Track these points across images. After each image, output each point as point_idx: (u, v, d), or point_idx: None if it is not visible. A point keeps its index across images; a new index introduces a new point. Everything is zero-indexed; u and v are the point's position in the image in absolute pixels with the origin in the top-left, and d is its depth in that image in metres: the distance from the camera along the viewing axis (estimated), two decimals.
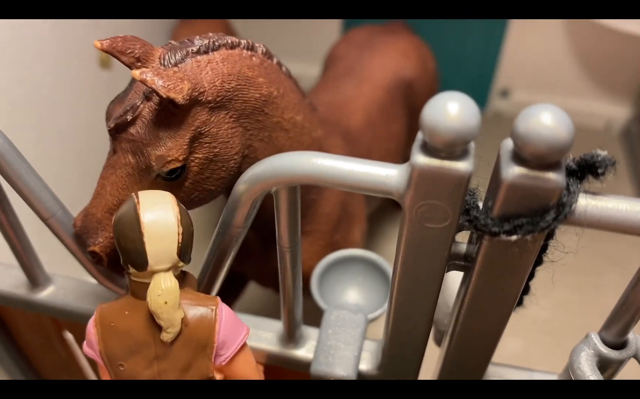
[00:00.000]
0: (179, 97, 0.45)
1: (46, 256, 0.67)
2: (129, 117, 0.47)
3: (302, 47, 1.54)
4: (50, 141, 0.94)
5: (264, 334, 0.60)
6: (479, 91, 1.55)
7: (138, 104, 0.47)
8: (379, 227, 1.23)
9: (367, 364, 0.58)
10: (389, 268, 0.67)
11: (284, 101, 0.57)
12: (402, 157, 0.92)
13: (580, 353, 0.50)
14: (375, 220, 1.20)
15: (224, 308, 0.47)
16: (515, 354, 1.03)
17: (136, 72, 0.43)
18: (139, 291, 0.45)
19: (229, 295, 0.84)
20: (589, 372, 0.48)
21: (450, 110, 0.36)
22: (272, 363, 0.60)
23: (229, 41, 0.52)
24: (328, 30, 1.53)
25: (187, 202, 0.52)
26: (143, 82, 0.44)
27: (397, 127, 0.87)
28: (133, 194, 0.44)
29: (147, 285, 0.44)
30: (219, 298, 0.48)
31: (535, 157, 0.36)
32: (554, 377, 0.56)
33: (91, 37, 1.00)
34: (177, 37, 1.24)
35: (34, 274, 0.62)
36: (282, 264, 0.51)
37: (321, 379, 0.56)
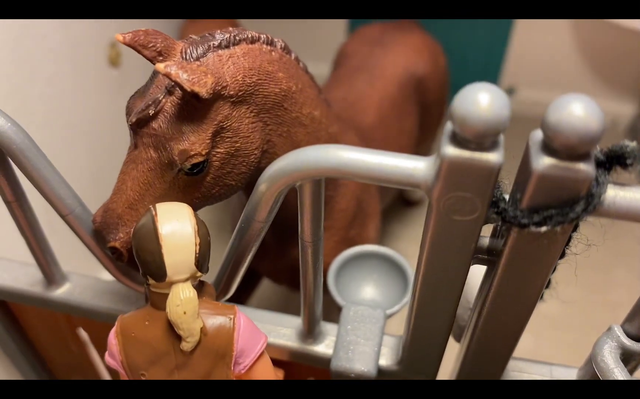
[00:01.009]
0: (203, 91, 0.45)
1: (62, 254, 0.67)
2: (151, 112, 0.47)
3: (308, 45, 1.54)
4: (61, 138, 0.94)
5: (283, 330, 0.60)
6: None
7: (160, 98, 0.47)
8: (388, 226, 1.22)
9: (386, 360, 0.58)
10: (404, 264, 0.67)
11: (302, 96, 0.57)
12: (413, 152, 0.92)
13: (604, 345, 0.49)
14: (384, 218, 1.20)
15: (242, 317, 0.47)
16: (527, 350, 1.03)
17: (160, 66, 0.43)
18: (159, 302, 0.45)
19: (243, 291, 0.83)
20: (612, 364, 0.48)
21: (481, 101, 0.35)
22: (291, 359, 0.60)
23: (249, 36, 0.51)
24: (334, 29, 1.53)
25: (207, 197, 0.52)
26: (167, 75, 0.43)
27: (409, 123, 0.87)
28: (151, 206, 0.44)
29: (166, 296, 0.44)
30: (236, 307, 0.48)
31: (566, 148, 0.36)
32: (575, 371, 0.56)
33: (100, 35, 1.00)
34: (185, 35, 1.24)
35: (50, 272, 0.62)
36: (303, 259, 0.50)
37: (341, 374, 0.56)
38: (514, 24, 1.45)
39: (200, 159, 0.48)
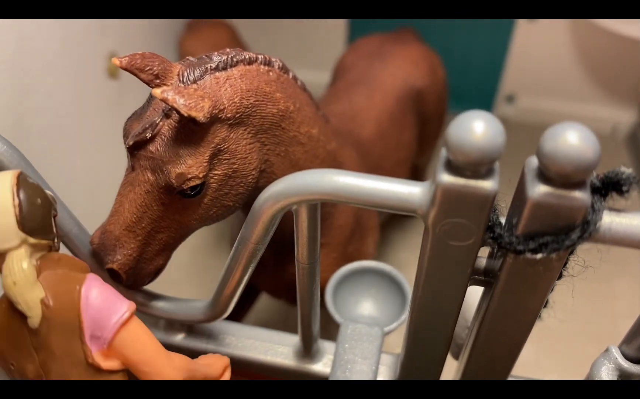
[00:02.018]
0: (200, 116, 0.45)
1: None
2: (149, 135, 0.47)
3: (307, 52, 1.54)
4: (59, 152, 0.94)
5: (280, 349, 0.60)
6: (485, 96, 1.55)
7: (157, 122, 0.47)
8: (388, 235, 1.22)
9: (384, 379, 0.58)
10: (402, 280, 0.67)
11: (300, 115, 0.57)
12: (411, 165, 0.92)
13: (601, 367, 0.49)
14: (383, 227, 1.20)
15: (92, 284, 0.43)
16: (527, 361, 1.03)
17: (157, 91, 0.43)
18: None
19: (241, 306, 0.83)
20: None
21: (476, 129, 0.36)
22: (288, 378, 0.60)
23: (247, 57, 0.52)
24: (333, 36, 1.53)
25: (205, 218, 0.52)
26: (164, 100, 0.44)
27: (407, 137, 0.87)
28: None
29: None
30: (90, 275, 0.44)
31: (561, 176, 0.36)
32: None
33: (99, 46, 1.00)
34: (183, 44, 1.24)
35: None
36: (300, 280, 0.50)
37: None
38: (514, 32, 1.45)
39: (198, 181, 0.48)
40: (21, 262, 0.40)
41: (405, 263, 1.17)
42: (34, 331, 0.42)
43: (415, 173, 1.10)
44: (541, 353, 1.06)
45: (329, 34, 1.52)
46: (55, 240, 0.44)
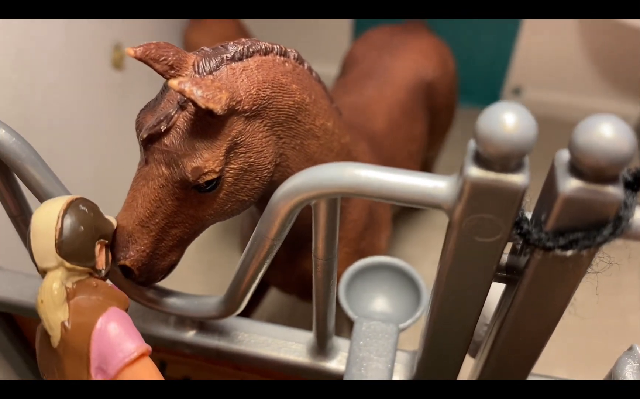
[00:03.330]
0: (218, 108, 0.44)
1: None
2: (163, 127, 0.46)
3: (312, 45, 1.53)
4: (65, 145, 0.93)
5: (294, 346, 0.59)
6: (491, 89, 1.54)
7: (172, 114, 0.46)
8: (396, 230, 1.21)
9: (400, 377, 0.57)
10: (416, 275, 0.66)
11: (315, 108, 0.55)
12: (422, 158, 0.91)
13: (625, 366, 0.48)
14: (395, 239, 1.19)
15: (112, 316, 0.43)
16: None
17: (174, 82, 0.42)
18: None
19: (252, 302, 0.82)
20: None
21: (507, 121, 0.34)
22: (302, 376, 0.59)
23: (263, 47, 0.50)
24: (338, 29, 1.51)
25: (220, 213, 0.51)
26: (181, 92, 0.42)
27: (418, 129, 0.85)
28: None
29: None
30: (113, 307, 0.44)
31: (594, 171, 0.35)
32: None
33: (104, 38, 0.99)
34: (188, 38, 1.23)
35: None
36: (316, 276, 0.49)
37: None
38: (520, 24, 1.44)
39: (214, 176, 0.47)
40: (52, 283, 0.42)
41: (414, 258, 1.16)
42: (54, 349, 0.43)
43: (424, 167, 1.09)
44: (549, 345, 1.05)
45: (335, 26, 1.51)
46: (103, 268, 0.45)
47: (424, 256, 1.16)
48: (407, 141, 0.82)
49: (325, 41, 1.49)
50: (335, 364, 0.58)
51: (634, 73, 1.48)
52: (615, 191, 0.35)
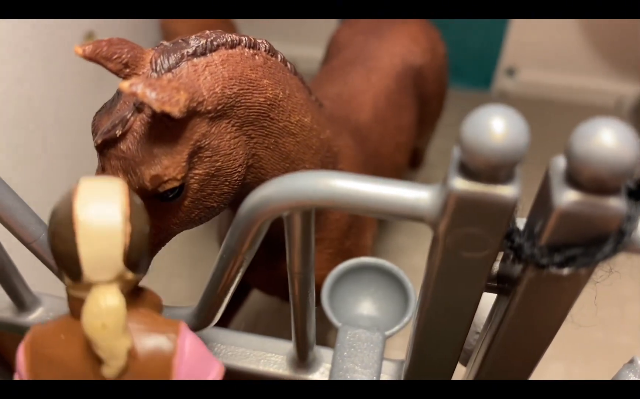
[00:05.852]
0: (175, 111, 0.39)
1: (34, 275, 0.62)
2: (118, 132, 0.41)
3: (299, 27, 1.47)
4: (33, 140, 0.88)
5: (274, 357, 0.55)
6: (484, 70, 1.49)
7: (128, 117, 0.42)
8: (397, 240, 1.16)
9: None
10: (404, 277, 0.62)
11: (290, 103, 0.51)
12: (411, 148, 0.87)
13: (625, 379, 0.45)
14: (385, 230, 1.14)
15: (187, 338, 0.37)
16: None
17: (125, 84, 0.38)
18: (77, 309, 0.34)
19: (231, 306, 0.79)
20: None
21: (495, 128, 0.30)
22: None
23: (229, 39, 0.46)
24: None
25: (186, 222, 0.47)
26: (133, 95, 0.38)
27: (407, 119, 0.81)
28: (77, 181, 0.35)
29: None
30: (183, 324, 0.38)
31: (594, 182, 0.31)
32: None
33: (75, 26, 0.94)
34: (166, 25, 1.17)
35: (19, 297, 0.57)
36: (292, 290, 0.46)
37: None
38: None
39: (176, 184, 0.43)
40: (116, 302, 0.33)
41: (405, 248, 1.12)
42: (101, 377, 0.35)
43: (414, 156, 1.05)
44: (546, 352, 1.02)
45: None
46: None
47: (415, 246, 1.12)
48: (395, 132, 0.78)
49: (312, 23, 1.44)
50: (318, 376, 0.55)
51: (630, 52, 1.43)
52: (617, 203, 0.32)
